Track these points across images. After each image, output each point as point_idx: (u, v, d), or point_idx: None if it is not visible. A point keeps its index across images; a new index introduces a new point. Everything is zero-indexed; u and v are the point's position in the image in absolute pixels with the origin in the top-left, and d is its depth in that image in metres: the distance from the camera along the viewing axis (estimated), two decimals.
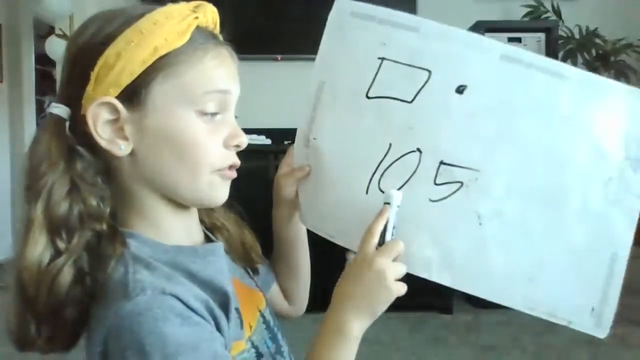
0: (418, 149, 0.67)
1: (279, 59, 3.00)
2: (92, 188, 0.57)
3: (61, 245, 0.55)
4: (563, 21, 3.08)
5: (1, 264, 3.99)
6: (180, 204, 0.62)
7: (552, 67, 0.64)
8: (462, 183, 0.65)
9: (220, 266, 0.63)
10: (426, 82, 0.66)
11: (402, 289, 0.63)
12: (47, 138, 0.57)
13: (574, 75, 0.63)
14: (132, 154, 0.58)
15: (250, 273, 0.75)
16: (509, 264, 0.65)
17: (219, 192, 0.62)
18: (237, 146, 0.62)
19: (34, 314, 0.55)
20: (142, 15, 0.58)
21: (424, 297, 2.66)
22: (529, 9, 3.11)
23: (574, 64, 3.00)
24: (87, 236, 0.56)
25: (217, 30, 0.64)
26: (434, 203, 0.66)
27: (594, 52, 3.06)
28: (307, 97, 0.73)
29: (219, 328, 0.57)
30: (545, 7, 3.11)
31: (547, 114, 0.64)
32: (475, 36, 0.66)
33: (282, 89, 3.08)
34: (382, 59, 0.67)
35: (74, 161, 0.57)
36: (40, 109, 5.12)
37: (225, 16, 0.65)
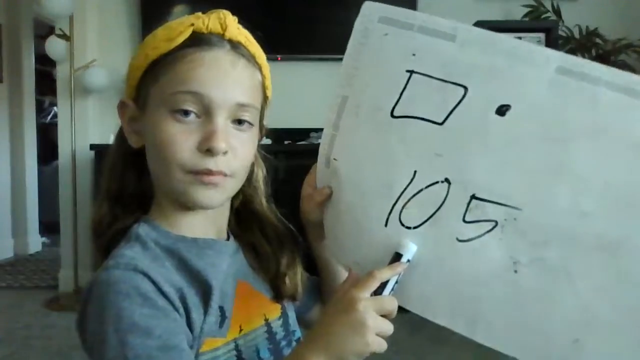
0: (446, 180, 0.58)
1: (279, 59, 3.00)
2: (130, 173, 0.68)
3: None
4: (563, 21, 3.08)
5: (1, 264, 4.00)
6: None
7: (626, 83, 0.51)
8: (496, 222, 0.56)
9: (216, 262, 0.65)
10: (460, 100, 0.56)
11: (381, 345, 0.57)
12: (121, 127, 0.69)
13: None
14: (145, 148, 0.65)
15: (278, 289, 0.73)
16: (549, 321, 0.55)
17: (197, 195, 0.62)
18: (209, 151, 0.60)
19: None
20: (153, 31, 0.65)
21: None
22: (529, 9, 3.11)
23: None
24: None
25: (230, 34, 0.64)
26: (461, 244, 0.57)
27: (594, 52, 3.06)
28: (327, 113, 0.65)
29: (189, 317, 0.59)
30: (545, 7, 3.10)
31: (613, 140, 0.52)
32: (528, 45, 0.55)
33: (282, 89, 3.05)
34: (411, 72, 0.59)
35: (127, 148, 0.67)
36: (40, 109, 5.12)
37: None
